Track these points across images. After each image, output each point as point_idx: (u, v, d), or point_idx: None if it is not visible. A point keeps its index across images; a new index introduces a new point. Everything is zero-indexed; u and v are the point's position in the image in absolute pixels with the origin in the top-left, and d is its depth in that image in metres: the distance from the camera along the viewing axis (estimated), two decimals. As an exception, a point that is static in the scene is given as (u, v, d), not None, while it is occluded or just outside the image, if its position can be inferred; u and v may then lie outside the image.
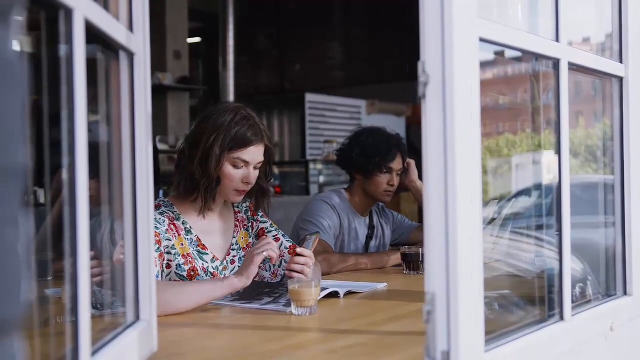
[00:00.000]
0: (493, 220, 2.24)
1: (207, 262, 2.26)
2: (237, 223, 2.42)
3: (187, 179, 2.24)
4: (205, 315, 1.93)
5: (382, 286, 2.39)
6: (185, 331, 1.79)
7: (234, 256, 2.36)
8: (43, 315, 1.33)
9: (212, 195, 2.26)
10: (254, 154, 2.25)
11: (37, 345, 1.21)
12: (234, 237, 2.39)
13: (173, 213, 2.26)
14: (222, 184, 2.25)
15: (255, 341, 1.67)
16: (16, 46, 0.59)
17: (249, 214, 2.46)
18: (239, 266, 2.33)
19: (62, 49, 1.03)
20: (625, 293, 1.86)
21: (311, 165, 7.64)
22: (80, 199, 1.03)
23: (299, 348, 1.60)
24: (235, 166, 2.23)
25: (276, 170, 7.87)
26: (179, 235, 2.23)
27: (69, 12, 1.01)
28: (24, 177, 0.59)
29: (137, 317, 1.39)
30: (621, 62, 1.86)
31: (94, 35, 1.13)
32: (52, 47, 1.04)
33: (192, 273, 2.21)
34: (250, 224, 2.45)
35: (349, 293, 2.22)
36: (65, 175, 1.02)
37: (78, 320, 1.02)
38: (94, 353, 1.10)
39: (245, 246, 2.40)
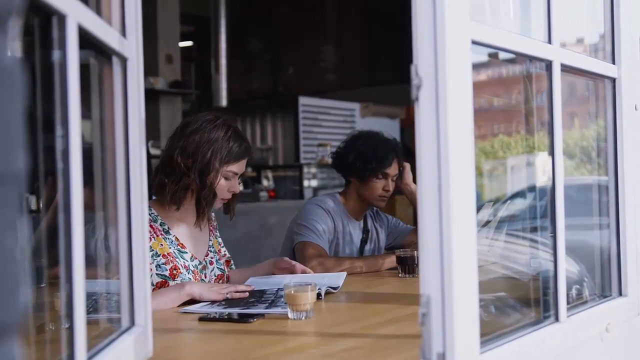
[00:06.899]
0: (488, 222, 2.25)
1: (187, 261, 2.34)
2: (211, 228, 2.54)
3: (182, 190, 2.31)
4: (201, 321, 1.92)
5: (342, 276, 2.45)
6: (181, 336, 1.79)
7: (211, 257, 2.47)
8: (37, 322, 1.33)
9: (210, 206, 2.37)
10: (244, 166, 2.40)
11: (32, 351, 1.21)
12: (210, 240, 2.50)
13: (150, 215, 2.30)
14: None
15: (251, 346, 1.66)
16: (14, 52, 0.59)
17: (215, 223, 2.59)
18: (217, 267, 2.47)
19: (55, 54, 1.02)
20: (620, 294, 1.87)
21: (305, 169, 7.63)
22: (75, 205, 1.02)
23: (297, 352, 1.60)
24: (226, 178, 2.35)
25: (270, 174, 7.86)
26: (158, 236, 2.30)
27: (62, 18, 1.01)
28: (23, 183, 0.59)
29: (132, 323, 1.39)
30: (614, 63, 1.86)
31: (86, 40, 1.12)
32: (45, 52, 1.04)
33: (175, 272, 2.28)
34: (217, 232, 2.58)
35: (329, 292, 2.25)
36: (59, 181, 1.02)
37: (74, 326, 1.02)
38: (89, 359, 1.09)
39: (217, 250, 2.52)
